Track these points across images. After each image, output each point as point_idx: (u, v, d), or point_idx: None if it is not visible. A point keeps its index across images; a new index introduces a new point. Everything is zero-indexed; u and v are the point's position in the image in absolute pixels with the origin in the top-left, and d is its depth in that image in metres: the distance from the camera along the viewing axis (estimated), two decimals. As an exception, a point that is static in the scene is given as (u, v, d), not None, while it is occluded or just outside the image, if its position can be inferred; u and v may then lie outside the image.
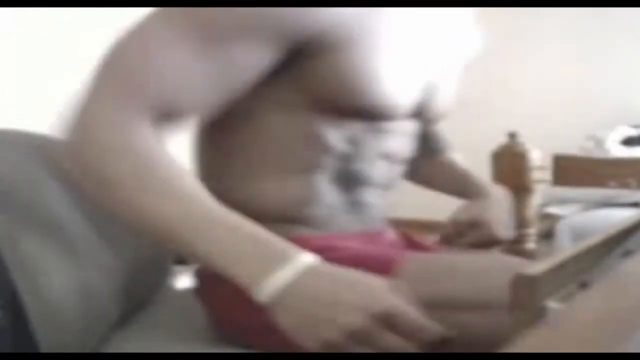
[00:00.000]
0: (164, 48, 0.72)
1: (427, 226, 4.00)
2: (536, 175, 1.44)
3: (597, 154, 2.74)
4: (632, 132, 2.90)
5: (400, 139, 0.93)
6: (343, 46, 0.79)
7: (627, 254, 0.61)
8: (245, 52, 0.74)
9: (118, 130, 0.69)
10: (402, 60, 0.85)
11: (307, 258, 0.66)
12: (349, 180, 0.88)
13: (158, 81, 0.72)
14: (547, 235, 2.18)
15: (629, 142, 2.83)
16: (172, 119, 0.74)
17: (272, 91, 0.82)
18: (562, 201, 2.40)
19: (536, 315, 0.47)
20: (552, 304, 0.48)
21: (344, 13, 0.79)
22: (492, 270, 0.79)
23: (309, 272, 0.65)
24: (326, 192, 0.86)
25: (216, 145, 0.88)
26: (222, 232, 0.67)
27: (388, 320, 0.64)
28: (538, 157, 1.46)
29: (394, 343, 0.64)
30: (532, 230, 1.47)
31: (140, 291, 1.04)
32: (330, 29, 0.78)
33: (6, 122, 1.06)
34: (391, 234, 1.00)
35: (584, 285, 0.53)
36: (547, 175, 2.48)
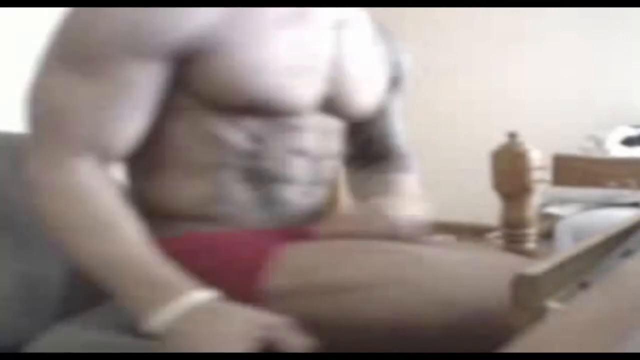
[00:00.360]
0: (67, 92, 0.79)
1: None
2: (536, 175, 1.44)
3: (597, 154, 2.74)
4: (632, 132, 2.90)
5: (313, 135, 0.93)
6: (224, 45, 0.81)
7: (627, 254, 0.61)
8: (135, 71, 0.79)
9: (56, 172, 0.79)
10: (290, 55, 0.86)
11: (196, 297, 0.74)
12: (259, 178, 0.89)
13: (76, 124, 0.79)
14: (547, 235, 2.18)
15: (629, 142, 2.83)
16: (111, 154, 0.82)
17: (163, 96, 0.85)
18: (562, 201, 2.40)
19: (536, 315, 0.47)
20: (552, 304, 0.48)
21: (220, 13, 0.81)
22: (373, 253, 0.83)
23: (190, 312, 0.72)
24: (234, 190, 0.88)
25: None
26: (128, 276, 0.75)
27: (267, 340, 0.70)
28: (538, 157, 1.46)
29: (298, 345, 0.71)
30: (532, 230, 1.47)
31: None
32: (208, 30, 0.80)
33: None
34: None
35: (584, 285, 0.53)
36: (547, 175, 2.48)
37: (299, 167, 0.92)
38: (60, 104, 0.79)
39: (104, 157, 0.82)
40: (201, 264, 0.84)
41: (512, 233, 1.44)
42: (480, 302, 0.77)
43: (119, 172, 0.89)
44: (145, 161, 0.90)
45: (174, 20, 0.78)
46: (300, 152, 0.92)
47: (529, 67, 3.80)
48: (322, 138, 0.96)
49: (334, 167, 1.01)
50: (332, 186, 1.04)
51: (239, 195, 0.89)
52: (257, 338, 0.70)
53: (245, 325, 0.71)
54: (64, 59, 0.79)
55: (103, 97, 0.79)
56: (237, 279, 0.83)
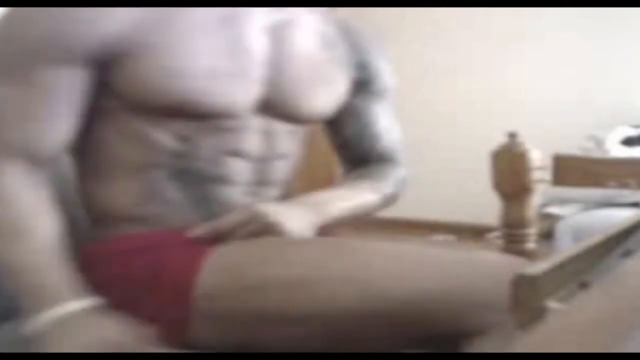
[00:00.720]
0: None
1: (427, 226, 4.00)
2: (536, 175, 1.44)
3: (597, 154, 2.74)
4: (632, 132, 2.90)
5: (254, 136, 0.94)
6: (145, 48, 0.83)
7: (627, 254, 0.61)
8: (58, 76, 0.82)
9: None
10: (216, 58, 0.87)
11: (68, 307, 0.78)
12: (190, 178, 0.90)
13: (3, 129, 0.84)
14: (547, 235, 2.18)
15: (629, 142, 2.83)
16: (40, 158, 0.85)
17: (91, 100, 0.87)
18: (562, 201, 2.40)
19: (536, 315, 0.47)
20: (552, 304, 0.48)
21: (140, 16, 0.83)
22: (305, 247, 0.84)
23: (56, 321, 0.78)
24: (166, 190, 0.90)
25: (73, 151, 0.94)
26: (24, 282, 0.81)
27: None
28: (538, 157, 1.46)
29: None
30: (532, 230, 1.47)
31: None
32: (128, 34, 0.83)
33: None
34: None
35: (584, 285, 0.53)
36: (547, 175, 2.48)
37: (236, 168, 0.93)
38: None
39: (33, 160, 0.85)
40: (133, 264, 0.86)
41: (512, 233, 1.44)
42: (419, 296, 0.76)
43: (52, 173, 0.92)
44: (83, 164, 0.94)
45: (92, 26, 0.81)
46: (238, 153, 0.93)
47: (529, 67, 3.80)
48: (266, 140, 0.96)
49: (284, 168, 1.01)
50: (288, 186, 1.04)
51: (172, 195, 0.90)
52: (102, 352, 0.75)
53: (94, 340, 0.76)
54: None
55: (28, 102, 0.83)
56: (167, 279, 0.84)
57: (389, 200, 1.14)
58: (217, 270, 0.83)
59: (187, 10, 0.87)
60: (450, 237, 3.87)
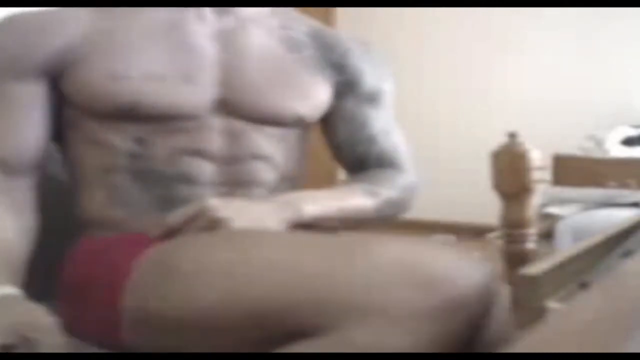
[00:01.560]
0: None
1: (428, 226, 4.00)
2: (536, 175, 1.44)
3: (597, 154, 2.74)
4: (632, 132, 2.90)
5: (216, 137, 0.95)
6: (88, 56, 0.89)
7: (627, 254, 0.61)
8: (16, 89, 0.89)
9: None
10: (161, 62, 0.91)
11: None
12: (151, 179, 0.93)
13: None
14: (547, 235, 2.18)
15: (629, 142, 2.83)
16: (12, 165, 0.91)
17: (52, 109, 0.94)
18: (562, 201, 2.40)
19: (536, 315, 0.47)
20: (552, 304, 0.48)
21: (82, 28, 0.90)
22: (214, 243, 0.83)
23: None
24: (128, 193, 0.93)
25: (62, 161, 1.02)
26: None
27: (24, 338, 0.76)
28: (538, 157, 1.46)
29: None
30: (532, 230, 1.47)
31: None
32: (71, 45, 0.89)
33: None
34: None
35: (584, 285, 0.53)
36: (547, 175, 2.48)
37: (198, 168, 0.94)
38: None
39: (5, 169, 0.91)
40: (89, 267, 0.90)
41: (512, 233, 1.44)
42: (278, 296, 0.74)
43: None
44: (67, 172, 1.00)
45: (39, 42, 0.89)
46: (199, 153, 0.94)
47: (529, 67, 3.80)
48: (231, 140, 0.97)
49: (264, 169, 1.00)
50: (270, 189, 1.02)
51: (136, 198, 0.93)
52: (14, 335, 0.76)
53: (9, 322, 0.78)
54: None
55: None
56: (104, 280, 0.87)
57: (394, 206, 1.09)
58: (146, 269, 0.84)
59: (133, 18, 0.93)
60: (450, 237, 3.87)
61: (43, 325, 0.79)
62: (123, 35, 0.91)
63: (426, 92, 4.06)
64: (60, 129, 0.97)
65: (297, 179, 1.08)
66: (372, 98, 1.11)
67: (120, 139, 0.92)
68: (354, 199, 1.03)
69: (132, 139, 0.92)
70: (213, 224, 0.88)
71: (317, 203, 0.98)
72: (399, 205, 1.10)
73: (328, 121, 1.10)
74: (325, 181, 3.95)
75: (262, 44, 1.01)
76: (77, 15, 0.92)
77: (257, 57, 1.00)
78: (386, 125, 1.13)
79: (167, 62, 0.92)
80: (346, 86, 1.09)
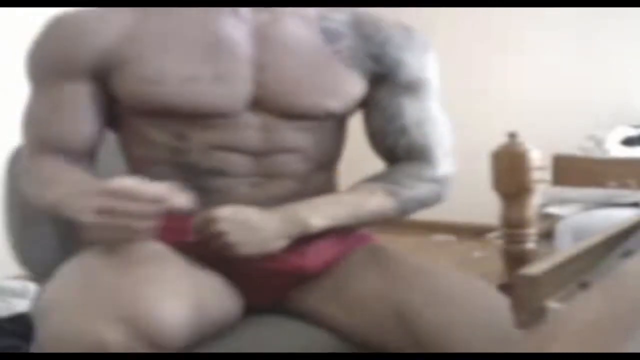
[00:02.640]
0: (30, 107, 1.04)
1: (428, 226, 4.00)
2: (536, 175, 1.44)
3: (597, 154, 2.74)
4: (632, 132, 2.89)
5: (246, 132, 1.00)
6: (128, 60, 0.97)
7: (627, 254, 0.61)
8: (67, 89, 1.00)
9: (29, 168, 1.03)
10: (196, 64, 0.98)
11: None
12: (189, 170, 1.00)
13: (39, 130, 1.03)
14: (547, 235, 2.18)
15: (629, 142, 2.82)
16: (74, 152, 1.02)
17: (102, 106, 1.03)
18: (562, 201, 2.40)
19: (536, 315, 0.47)
20: (552, 304, 0.48)
21: (118, 35, 0.98)
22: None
23: None
24: (167, 180, 0.94)
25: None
26: (72, 196, 0.93)
27: (124, 195, 0.82)
28: (538, 157, 1.46)
29: (135, 209, 0.81)
30: (532, 230, 1.47)
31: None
32: (111, 50, 0.98)
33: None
34: None
35: (584, 285, 0.53)
36: (547, 175, 2.48)
37: (233, 161, 1.00)
38: (27, 118, 1.05)
39: (67, 154, 1.02)
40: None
41: (512, 233, 1.44)
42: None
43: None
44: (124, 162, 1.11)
45: (84, 44, 0.98)
46: (234, 148, 1.00)
47: (529, 67, 3.80)
48: (265, 135, 1.01)
49: (294, 161, 1.04)
50: (303, 179, 1.06)
51: (176, 185, 0.98)
52: (108, 191, 0.83)
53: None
54: (29, 82, 1.04)
55: (54, 109, 1.02)
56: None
57: (419, 202, 1.09)
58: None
59: (170, 19, 0.99)
60: (450, 237, 3.87)
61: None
62: (160, 39, 0.98)
63: (426, 92, 4.07)
64: (113, 122, 1.06)
65: (330, 168, 1.11)
66: (409, 87, 1.10)
67: (161, 135, 1.00)
68: (372, 201, 1.04)
69: (172, 134, 1.00)
70: (222, 246, 0.93)
71: (326, 215, 1.00)
72: (425, 200, 1.09)
73: (364, 109, 1.11)
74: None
75: (299, 35, 1.03)
76: (119, 16, 0.99)
77: (293, 50, 1.02)
78: (421, 115, 1.12)
79: (200, 63, 0.98)
80: (382, 77, 1.08)
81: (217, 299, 0.94)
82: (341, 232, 1.06)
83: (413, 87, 1.11)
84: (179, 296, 0.83)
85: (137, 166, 1.05)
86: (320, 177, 1.08)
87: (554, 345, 0.35)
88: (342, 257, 1.06)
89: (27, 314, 2.00)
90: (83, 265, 0.87)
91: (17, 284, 2.29)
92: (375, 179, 1.09)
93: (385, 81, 1.09)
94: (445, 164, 1.12)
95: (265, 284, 1.03)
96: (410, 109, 1.10)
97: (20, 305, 2.09)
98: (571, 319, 0.39)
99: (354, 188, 1.08)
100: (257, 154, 1.01)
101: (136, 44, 0.98)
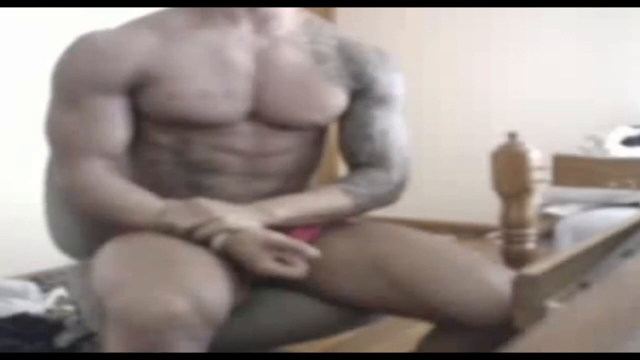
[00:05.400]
0: (62, 120, 1.18)
1: (428, 226, 4.00)
2: (536, 175, 1.44)
3: (597, 154, 2.74)
4: (632, 132, 2.89)
5: (245, 138, 1.18)
6: (154, 79, 1.13)
7: (627, 254, 0.61)
8: (102, 101, 1.15)
9: (77, 174, 1.17)
10: (207, 82, 1.14)
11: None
12: (189, 169, 1.18)
13: (77, 139, 1.16)
14: (547, 235, 2.18)
15: (629, 142, 2.82)
16: (109, 154, 1.17)
17: (131, 117, 1.19)
18: (562, 201, 2.40)
19: (536, 315, 0.47)
20: (552, 304, 0.48)
21: (147, 58, 1.14)
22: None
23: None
24: (169, 179, 1.20)
25: None
26: (139, 211, 1.13)
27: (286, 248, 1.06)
28: (538, 157, 1.46)
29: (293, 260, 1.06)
30: (532, 230, 1.47)
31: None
32: (142, 69, 1.13)
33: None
34: None
35: (584, 285, 0.53)
36: (547, 175, 2.48)
37: (228, 162, 1.18)
38: (59, 126, 1.18)
39: (106, 156, 1.17)
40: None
41: (512, 233, 1.44)
42: None
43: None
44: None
45: (114, 66, 1.13)
46: (230, 151, 1.18)
47: (529, 67, 3.80)
48: (257, 140, 1.19)
49: (282, 161, 1.21)
50: (286, 179, 1.23)
51: (173, 182, 1.20)
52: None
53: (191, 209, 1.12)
54: (55, 98, 1.18)
55: (90, 120, 1.15)
56: None
57: (374, 201, 1.25)
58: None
59: (187, 42, 1.16)
60: (450, 237, 3.87)
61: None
62: (181, 59, 1.14)
63: (426, 92, 4.06)
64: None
65: (312, 170, 1.29)
66: (380, 101, 1.26)
67: (169, 139, 1.18)
68: (330, 198, 1.21)
69: (179, 139, 1.17)
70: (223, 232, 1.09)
71: (288, 207, 1.16)
72: (379, 199, 1.25)
73: (340, 119, 1.27)
74: (326, 175, 3.94)
75: (292, 59, 1.20)
76: (144, 40, 1.14)
77: (287, 71, 1.19)
78: (387, 126, 1.27)
79: (211, 81, 1.15)
80: (360, 92, 1.25)
81: (238, 279, 1.08)
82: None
83: (383, 101, 1.26)
84: (220, 279, 1.00)
85: (141, 166, 1.22)
86: (301, 178, 1.26)
87: (554, 345, 0.35)
88: (322, 232, 1.22)
89: (27, 314, 2.00)
90: (134, 249, 1.05)
91: (17, 284, 2.29)
92: (336, 181, 1.27)
93: (361, 96, 1.25)
94: (401, 170, 1.27)
95: None
96: (378, 120, 1.26)
97: (20, 305, 2.09)
98: (571, 319, 0.39)
99: (317, 188, 1.26)
100: (247, 156, 1.19)
101: (162, 62, 1.14)
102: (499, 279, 1.06)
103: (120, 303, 0.93)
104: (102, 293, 1.02)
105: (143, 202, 1.14)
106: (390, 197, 1.26)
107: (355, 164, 1.28)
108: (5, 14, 2.67)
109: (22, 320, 1.95)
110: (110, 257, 1.07)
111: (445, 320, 1.10)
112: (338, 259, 1.16)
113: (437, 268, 1.10)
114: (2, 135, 2.68)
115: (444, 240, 1.17)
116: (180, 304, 0.90)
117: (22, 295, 2.21)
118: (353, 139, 1.26)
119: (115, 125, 1.17)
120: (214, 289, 0.97)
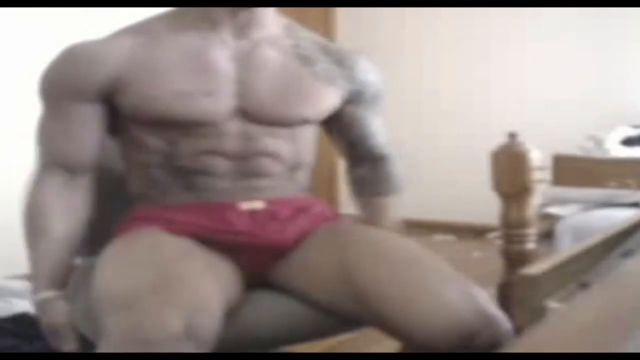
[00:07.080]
0: (41, 126, 1.20)
1: (428, 226, 4.00)
2: (536, 175, 1.44)
3: (597, 154, 2.74)
4: (632, 132, 2.90)
5: (228, 138, 1.18)
6: (133, 81, 1.13)
7: (627, 254, 0.61)
8: (76, 109, 1.16)
9: (35, 186, 1.22)
10: (190, 82, 1.14)
11: (45, 294, 1.18)
12: (179, 171, 1.19)
13: (46, 148, 1.20)
14: (547, 235, 2.18)
15: (629, 142, 2.82)
16: (76, 167, 1.20)
17: (106, 122, 1.21)
18: (562, 201, 2.40)
19: (536, 315, 0.47)
20: (552, 304, 0.48)
21: (123, 62, 1.14)
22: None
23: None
24: (161, 180, 1.20)
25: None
26: (34, 268, 1.21)
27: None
28: (538, 157, 1.46)
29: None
30: (532, 230, 1.47)
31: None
32: (117, 74, 1.14)
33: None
34: (244, 207, 1.20)
35: (584, 285, 0.53)
36: (547, 175, 2.48)
37: (217, 163, 1.18)
38: (39, 134, 1.20)
39: (70, 169, 1.20)
40: (138, 224, 1.21)
41: (512, 233, 1.44)
42: None
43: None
44: (123, 163, 1.30)
45: (90, 72, 1.14)
46: (218, 152, 1.18)
47: (529, 67, 3.80)
48: (245, 141, 1.19)
49: (272, 163, 1.22)
50: (277, 178, 1.24)
51: (165, 184, 1.20)
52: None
53: (46, 322, 1.19)
54: (42, 101, 1.19)
55: (63, 128, 1.18)
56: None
57: (398, 183, 1.39)
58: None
59: (167, 46, 1.16)
60: (451, 237, 3.87)
61: (61, 327, 1.18)
62: (158, 62, 1.15)
63: (426, 91, 4.07)
64: (115, 131, 1.23)
65: (302, 169, 1.29)
66: (371, 102, 1.33)
67: (156, 141, 1.17)
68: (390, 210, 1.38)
69: (166, 141, 1.17)
70: None
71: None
72: (401, 177, 1.39)
73: (339, 123, 1.32)
74: (326, 175, 3.94)
75: (277, 59, 1.21)
76: (122, 46, 1.15)
77: (271, 71, 1.20)
78: (378, 123, 1.38)
79: (193, 81, 1.15)
80: (355, 94, 1.29)
81: (233, 285, 1.13)
82: (311, 212, 1.26)
83: (373, 101, 1.33)
84: (215, 293, 1.00)
85: (134, 168, 1.23)
86: (290, 177, 1.26)
87: (554, 345, 0.35)
88: (309, 232, 1.23)
89: (27, 314, 2.00)
90: (134, 261, 1.04)
91: (17, 284, 2.29)
92: (372, 192, 1.39)
93: (358, 98, 1.30)
94: (392, 154, 1.42)
95: (250, 260, 1.19)
96: (373, 119, 1.35)
97: (20, 305, 2.09)
98: (571, 319, 0.39)
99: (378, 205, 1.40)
100: (236, 157, 1.19)
101: (138, 66, 1.14)
102: (459, 296, 0.98)
103: (117, 324, 0.93)
104: (100, 306, 1.02)
105: (45, 259, 1.19)
106: (403, 183, 1.39)
107: (364, 159, 1.38)
108: (5, 14, 2.67)
109: (22, 320, 1.95)
110: (109, 268, 1.06)
111: (405, 339, 1.06)
112: (314, 264, 1.16)
113: (399, 284, 1.05)
114: (2, 135, 2.68)
115: (418, 250, 1.13)
116: (174, 328, 0.91)
117: (22, 295, 2.21)
118: (363, 138, 1.35)
119: (85, 136, 1.18)
120: (207, 314, 0.95)
